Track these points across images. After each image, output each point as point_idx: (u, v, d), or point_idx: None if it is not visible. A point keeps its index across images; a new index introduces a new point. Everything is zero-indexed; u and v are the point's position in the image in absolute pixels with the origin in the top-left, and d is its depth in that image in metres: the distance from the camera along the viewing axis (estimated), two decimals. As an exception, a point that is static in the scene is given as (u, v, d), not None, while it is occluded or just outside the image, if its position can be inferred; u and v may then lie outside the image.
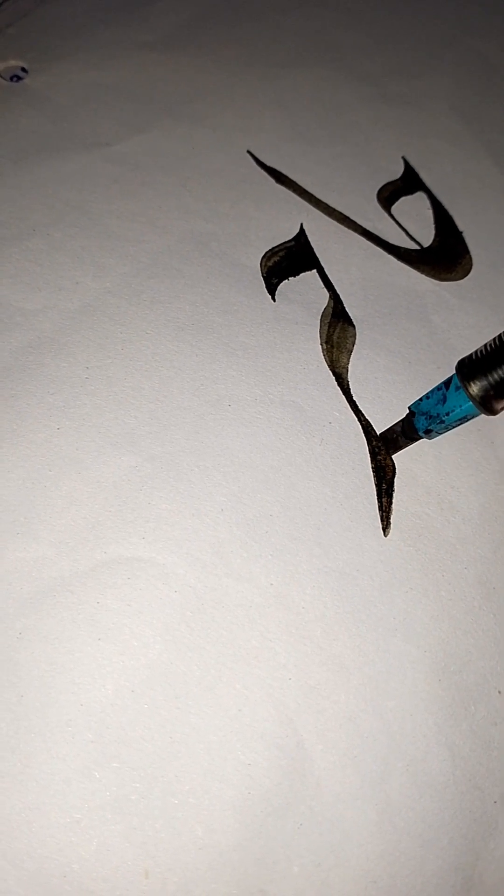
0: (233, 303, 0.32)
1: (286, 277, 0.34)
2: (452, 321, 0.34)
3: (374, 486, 0.29)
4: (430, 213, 0.37)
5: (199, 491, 0.28)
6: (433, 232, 0.36)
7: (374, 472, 0.29)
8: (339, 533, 0.28)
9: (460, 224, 0.37)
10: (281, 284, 0.33)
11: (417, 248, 0.36)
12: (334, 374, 0.31)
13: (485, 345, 0.25)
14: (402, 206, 0.37)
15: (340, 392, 0.31)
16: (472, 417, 0.26)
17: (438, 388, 0.26)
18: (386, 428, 0.29)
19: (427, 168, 0.38)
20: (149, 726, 0.24)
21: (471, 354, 0.25)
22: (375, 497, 0.29)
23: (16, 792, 0.23)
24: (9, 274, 0.32)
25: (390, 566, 0.28)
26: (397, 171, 0.38)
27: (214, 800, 0.24)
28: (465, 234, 0.36)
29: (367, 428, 0.30)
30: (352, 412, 0.31)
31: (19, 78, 0.38)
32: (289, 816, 0.24)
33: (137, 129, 0.37)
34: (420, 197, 0.38)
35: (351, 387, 0.31)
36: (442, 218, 0.37)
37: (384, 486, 0.29)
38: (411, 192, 0.37)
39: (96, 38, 0.41)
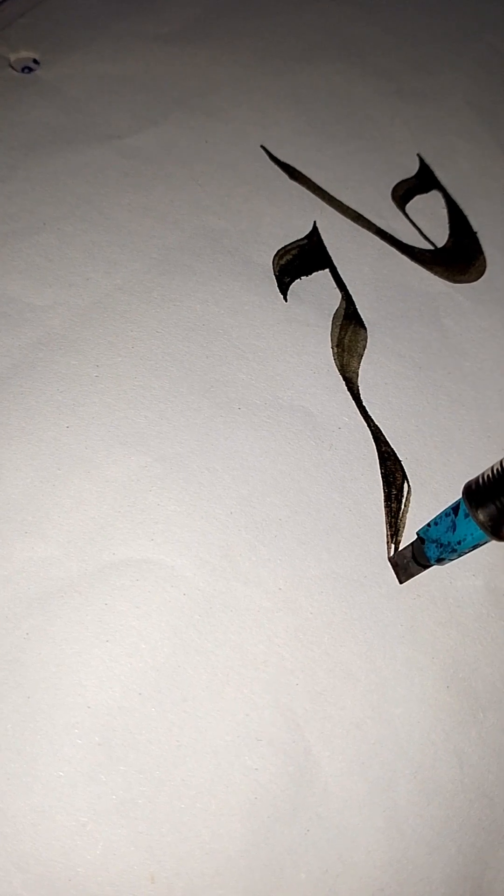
0: (244, 302, 0.32)
1: (298, 276, 0.33)
2: (465, 325, 0.33)
3: (382, 493, 0.29)
4: (444, 213, 0.37)
5: (208, 493, 0.28)
6: (447, 232, 0.36)
7: (382, 478, 0.29)
8: (348, 539, 0.28)
9: (475, 224, 0.36)
10: (293, 284, 0.33)
11: (431, 248, 0.35)
12: (344, 378, 0.31)
13: (491, 468, 0.23)
14: (417, 204, 0.37)
15: (350, 397, 0.31)
16: (486, 543, 0.24)
17: (447, 513, 0.25)
18: (396, 552, 0.28)
19: (443, 166, 0.38)
20: (156, 730, 0.24)
21: (477, 479, 0.24)
22: (383, 503, 0.29)
23: (21, 794, 0.23)
24: (19, 269, 0.31)
25: (400, 572, 0.28)
26: (413, 169, 0.38)
27: (221, 805, 0.24)
28: (479, 235, 0.36)
29: (376, 434, 0.30)
30: (362, 417, 0.30)
31: (31, 69, 0.37)
32: (296, 822, 0.24)
33: (150, 122, 0.37)
34: (435, 195, 0.37)
35: (361, 392, 0.31)
36: (456, 217, 0.36)
37: (393, 493, 0.29)
38: (426, 191, 0.37)
39: (109, 29, 0.40)
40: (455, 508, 0.24)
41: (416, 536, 0.26)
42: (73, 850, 0.23)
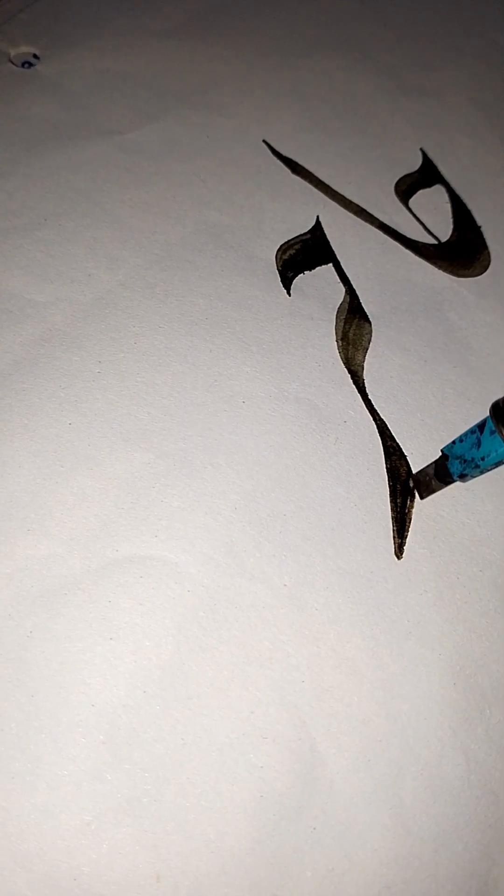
0: (247, 297, 0.32)
1: (302, 271, 0.33)
2: (470, 319, 0.33)
3: (388, 487, 0.29)
4: (448, 207, 0.36)
5: (212, 489, 0.28)
6: (451, 226, 0.36)
7: (388, 472, 0.29)
8: (353, 534, 0.28)
9: (479, 218, 0.36)
10: (296, 278, 0.33)
11: (435, 242, 0.35)
12: (350, 371, 0.31)
13: None
14: (420, 199, 0.36)
15: (356, 390, 0.30)
16: None
17: (472, 430, 0.26)
18: (419, 469, 0.29)
19: (445, 161, 0.38)
20: (160, 728, 0.24)
21: None
22: (389, 498, 0.29)
23: (26, 793, 0.23)
24: (20, 265, 0.31)
25: (404, 568, 0.28)
26: (415, 164, 0.38)
27: (226, 802, 0.23)
28: (483, 229, 0.36)
29: (381, 427, 0.30)
30: (367, 411, 0.30)
31: (31, 64, 0.37)
32: (301, 820, 0.24)
33: (151, 118, 0.37)
34: (438, 190, 0.37)
35: (366, 385, 0.31)
36: (460, 212, 0.36)
37: (398, 487, 0.29)
38: (429, 185, 0.37)
39: (110, 25, 0.40)
40: (481, 426, 0.25)
41: (439, 454, 0.27)
42: (77, 850, 0.22)
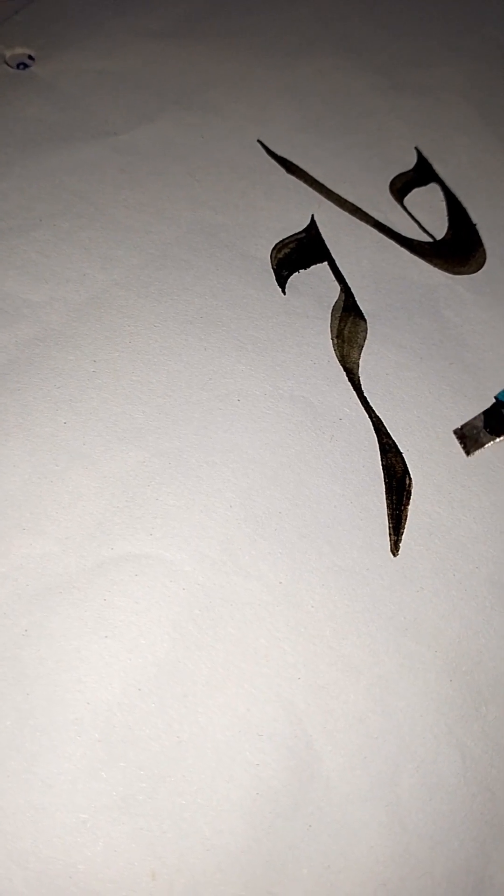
0: (242, 296, 0.32)
1: (297, 270, 0.33)
2: (465, 316, 0.33)
3: (383, 484, 0.29)
4: (443, 205, 0.36)
5: (207, 487, 0.28)
6: (446, 224, 0.36)
7: (384, 469, 0.29)
8: (349, 531, 0.28)
9: (474, 216, 0.36)
10: (291, 277, 0.33)
11: (430, 240, 0.35)
12: (345, 369, 0.31)
13: None
14: (415, 197, 0.36)
15: (351, 388, 0.31)
16: None
17: None
18: (464, 422, 0.26)
19: (441, 159, 0.38)
20: (156, 725, 0.24)
21: None
22: (385, 495, 0.29)
23: (21, 791, 0.23)
24: (15, 265, 0.31)
25: (400, 565, 0.27)
26: (410, 163, 0.38)
27: (222, 800, 0.23)
28: (478, 227, 0.36)
29: (377, 425, 0.30)
30: (363, 408, 0.30)
31: (26, 66, 0.37)
32: (297, 818, 0.24)
33: (146, 119, 0.37)
34: (433, 188, 0.37)
35: (362, 382, 0.31)
36: (455, 210, 0.36)
37: (394, 485, 0.29)
38: (424, 184, 0.37)
39: (105, 26, 0.40)
40: None
41: (493, 401, 0.25)
42: (73, 847, 0.22)
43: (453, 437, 0.30)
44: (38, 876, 0.22)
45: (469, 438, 0.26)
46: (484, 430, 0.26)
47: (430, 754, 0.25)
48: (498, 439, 0.26)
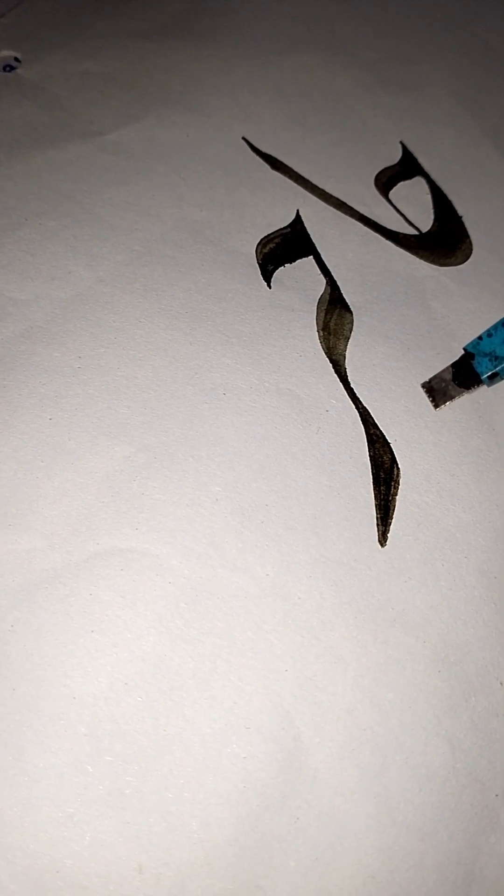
0: (227, 290, 0.32)
1: (282, 264, 0.33)
2: (452, 306, 0.33)
3: (371, 475, 0.29)
4: (428, 198, 0.36)
5: (193, 481, 0.28)
6: (432, 217, 0.36)
7: (371, 460, 0.29)
8: (337, 522, 0.28)
9: (460, 209, 0.36)
10: (277, 271, 0.33)
11: (416, 233, 0.35)
12: (331, 361, 0.31)
13: None
14: (401, 191, 0.36)
15: (338, 379, 0.30)
16: None
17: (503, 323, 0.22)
18: (432, 375, 0.25)
19: (426, 153, 0.38)
20: (143, 719, 0.24)
21: None
22: (372, 486, 0.28)
23: (8, 786, 0.23)
24: (1, 264, 0.31)
25: (388, 555, 0.27)
26: (395, 157, 0.38)
27: (210, 794, 0.23)
28: (464, 219, 0.36)
29: (364, 416, 0.30)
30: (349, 400, 0.30)
31: (12, 68, 0.38)
32: (285, 810, 0.23)
33: (132, 118, 0.37)
34: (419, 182, 0.37)
35: (348, 374, 0.31)
36: (441, 202, 0.36)
37: (382, 475, 0.29)
38: (410, 177, 0.37)
39: (91, 27, 0.40)
40: None
41: (462, 352, 0.24)
42: (60, 842, 0.22)
43: (443, 426, 0.30)
44: (25, 870, 0.22)
45: (437, 392, 0.25)
46: (452, 383, 0.25)
47: (419, 745, 0.25)
48: (466, 392, 0.25)
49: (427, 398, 0.25)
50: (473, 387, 0.24)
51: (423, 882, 0.23)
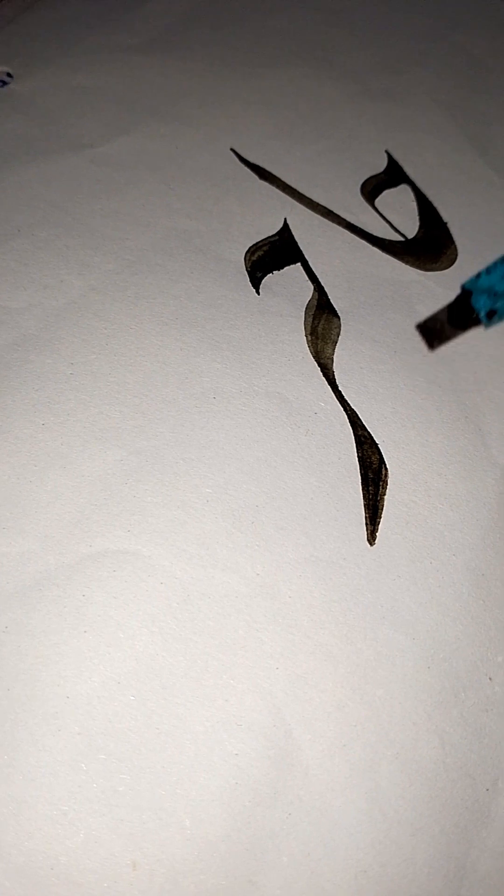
0: (216, 297, 0.32)
1: (270, 271, 0.34)
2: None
3: (359, 476, 0.29)
4: (414, 206, 0.37)
5: (184, 483, 0.28)
6: (417, 223, 0.36)
7: (359, 461, 0.29)
8: (326, 522, 0.28)
9: (444, 215, 0.37)
10: (265, 278, 0.33)
11: (402, 239, 0.36)
12: (319, 364, 0.31)
13: None
14: (386, 198, 0.37)
15: (326, 383, 0.31)
16: None
17: (503, 260, 0.21)
18: (426, 317, 0.24)
19: (411, 161, 0.38)
20: (136, 718, 0.24)
21: None
22: (361, 486, 0.29)
23: (2, 785, 0.23)
24: (-6, 274, 0.32)
25: (377, 554, 0.28)
26: (381, 166, 0.38)
27: (202, 790, 0.24)
28: (449, 225, 0.36)
29: (352, 417, 0.30)
30: (338, 402, 0.31)
31: (4, 83, 0.38)
32: (277, 806, 0.24)
33: (122, 131, 0.38)
34: (404, 189, 0.38)
35: (336, 377, 0.31)
36: (426, 209, 0.37)
37: (370, 476, 0.29)
38: (395, 185, 0.38)
39: (82, 43, 0.41)
40: None
41: (460, 290, 0.23)
42: (54, 839, 0.23)
43: (430, 426, 0.30)
44: (20, 868, 0.22)
45: (432, 332, 0.24)
46: (447, 324, 0.24)
47: (410, 741, 0.25)
48: (463, 333, 0.24)
49: (422, 339, 0.24)
50: (470, 326, 0.23)
51: (415, 876, 0.23)
